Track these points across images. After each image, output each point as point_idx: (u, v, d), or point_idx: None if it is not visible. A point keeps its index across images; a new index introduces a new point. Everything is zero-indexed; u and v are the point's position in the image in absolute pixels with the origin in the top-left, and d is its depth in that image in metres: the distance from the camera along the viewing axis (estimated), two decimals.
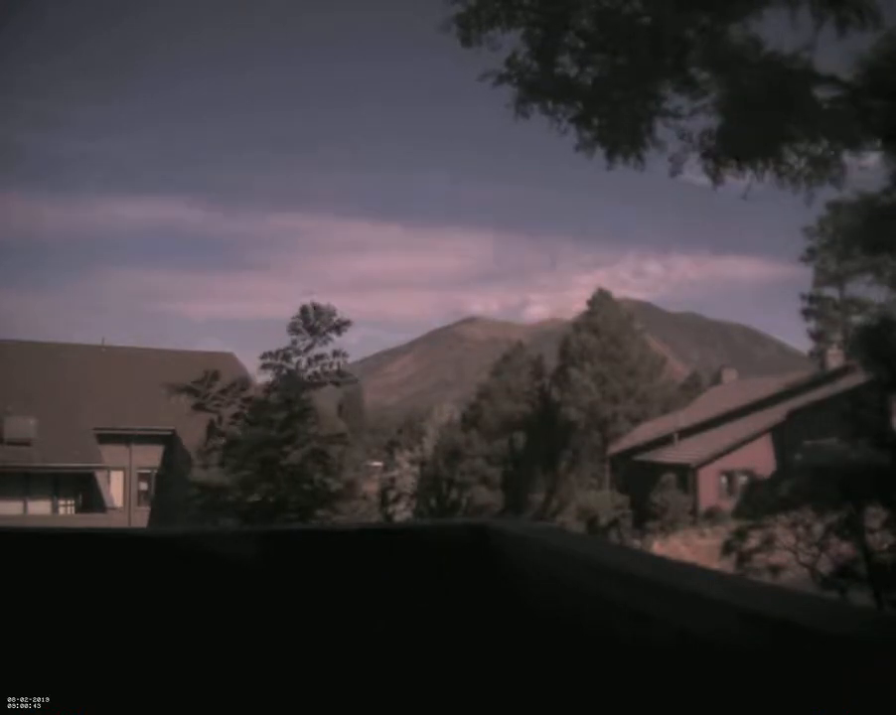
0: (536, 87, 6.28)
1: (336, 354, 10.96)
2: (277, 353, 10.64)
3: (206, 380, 10.49)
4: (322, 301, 11.41)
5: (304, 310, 10.82)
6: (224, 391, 10.46)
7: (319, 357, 10.84)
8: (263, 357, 10.70)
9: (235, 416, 10.32)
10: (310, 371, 10.76)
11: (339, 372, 10.87)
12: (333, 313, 11.05)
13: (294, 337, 10.76)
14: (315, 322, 10.77)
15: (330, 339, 11.01)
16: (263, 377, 11.21)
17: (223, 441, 10.38)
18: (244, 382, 10.90)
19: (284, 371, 10.48)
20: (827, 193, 6.95)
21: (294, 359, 10.80)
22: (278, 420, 10.34)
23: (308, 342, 10.72)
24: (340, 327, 10.92)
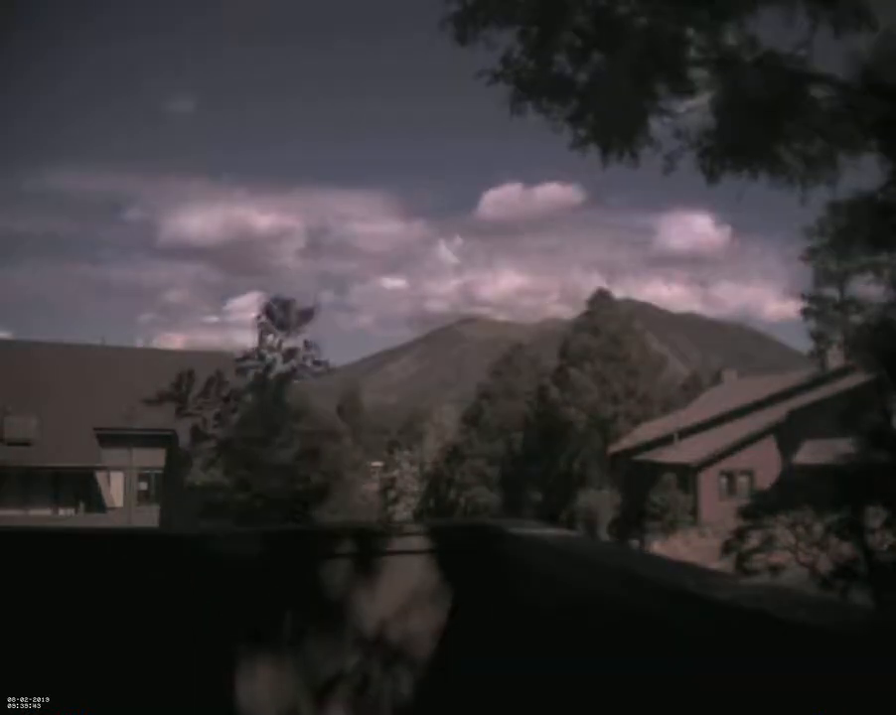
0: (532, 86, 6.29)
1: (308, 345, 10.70)
2: (251, 353, 10.47)
3: (182, 384, 10.29)
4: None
5: (268, 307, 10.55)
6: (203, 394, 10.31)
7: (292, 352, 10.60)
8: (239, 359, 10.54)
9: (217, 417, 10.18)
10: (285, 367, 10.58)
11: (315, 363, 10.64)
12: (297, 304, 10.76)
13: (264, 334, 10.52)
14: (283, 317, 10.56)
15: (299, 331, 10.76)
16: (242, 379, 11.00)
17: (211, 443, 10.28)
18: (221, 383, 10.70)
19: (260, 371, 10.33)
20: (823, 193, 6.95)
21: (269, 357, 10.58)
22: (257, 419, 10.24)
23: (279, 338, 10.52)
24: (308, 316, 10.66)
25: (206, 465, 10.43)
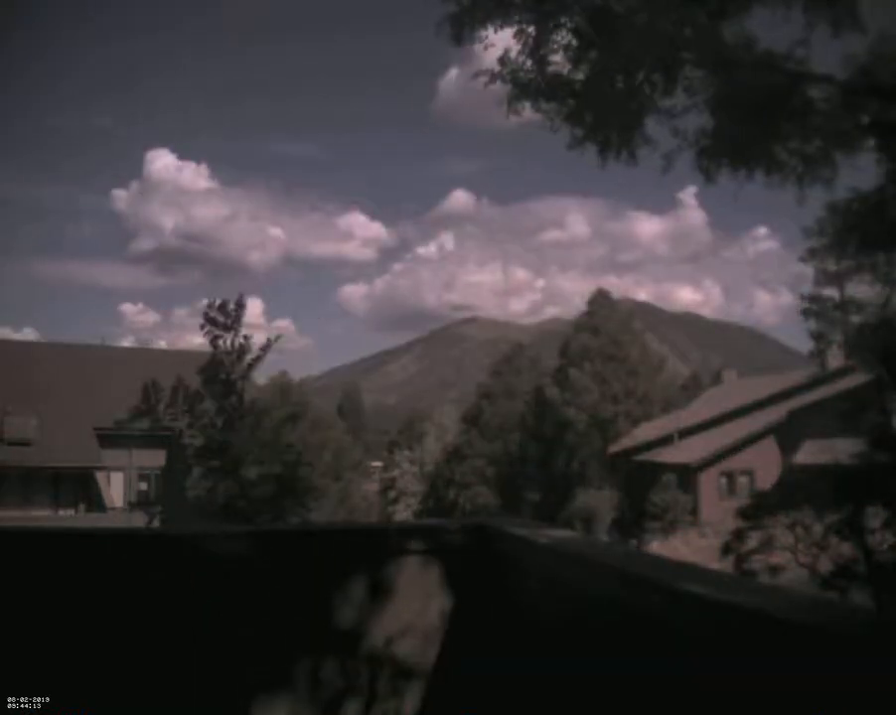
0: (529, 86, 6.28)
1: (246, 337, 10.84)
2: (210, 364, 10.52)
3: (150, 397, 10.26)
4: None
5: (206, 314, 10.65)
6: (169, 406, 10.30)
7: (243, 349, 10.70)
8: (200, 371, 10.59)
9: (189, 426, 10.17)
10: (243, 365, 10.66)
11: (262, 349, 10.74)
12: (229, 303, 10.87)
13: (215, 341, 10.60)
14: (223, 318, 10.63)
15: (241, 325, 10.86)
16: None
17: (191, 450, 10.30)
18: (184, 390, 10.67)
19: (223, 376, 10.40)
20: (822, 193, 6.95)
21: (227, 361, 10.66)
22: (225, 423, 10.27)
23: (228, 338, 10.60)
24: (239, 308, 10.74)
25: (185, 471, 10.50)
